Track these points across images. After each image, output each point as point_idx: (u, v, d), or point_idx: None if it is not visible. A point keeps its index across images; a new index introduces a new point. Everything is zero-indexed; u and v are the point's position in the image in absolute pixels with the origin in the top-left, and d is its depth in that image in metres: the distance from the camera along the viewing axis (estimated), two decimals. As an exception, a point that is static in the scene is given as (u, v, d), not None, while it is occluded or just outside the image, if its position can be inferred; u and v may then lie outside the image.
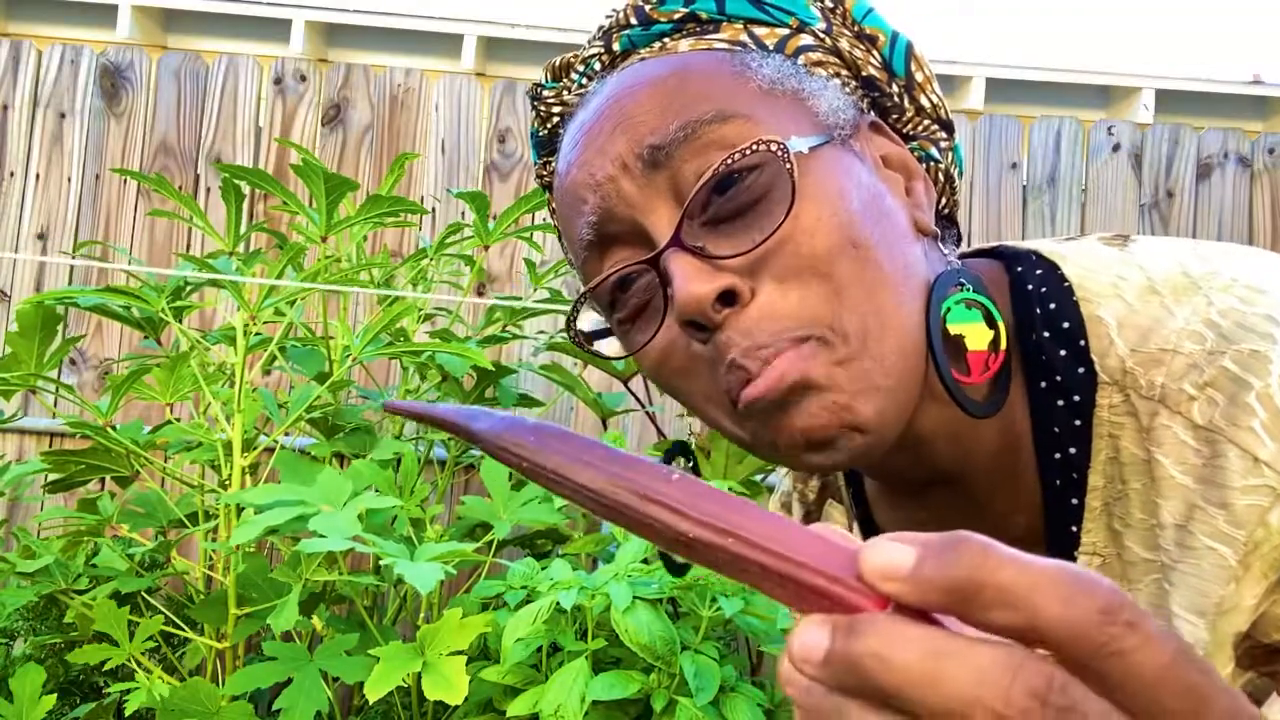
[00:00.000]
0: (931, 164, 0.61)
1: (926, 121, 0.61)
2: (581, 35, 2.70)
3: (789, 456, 0.52)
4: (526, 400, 2.13)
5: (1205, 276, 0.50)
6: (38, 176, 2.62)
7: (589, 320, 0.62)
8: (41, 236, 2.61)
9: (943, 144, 0.61)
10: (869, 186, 0.53)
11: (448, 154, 2.63)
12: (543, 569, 1.50)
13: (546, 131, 0.63)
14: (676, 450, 0.62)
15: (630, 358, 0.57)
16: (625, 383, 2.04)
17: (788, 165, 0.50)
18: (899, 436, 0.52)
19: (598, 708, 1.36)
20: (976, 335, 0.53)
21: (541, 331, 2.29)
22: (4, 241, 2.61)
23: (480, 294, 2.55)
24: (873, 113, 0.59)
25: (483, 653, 1.65)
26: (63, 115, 2.64)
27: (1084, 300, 0.53)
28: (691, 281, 0.50)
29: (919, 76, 0.59)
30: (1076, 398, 0.52)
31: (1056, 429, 0.54)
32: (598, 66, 0.59)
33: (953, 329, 0.53)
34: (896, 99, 0.59)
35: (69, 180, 2.62)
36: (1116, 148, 2.69)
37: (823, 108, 0.55)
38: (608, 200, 0.54)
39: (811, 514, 0.73)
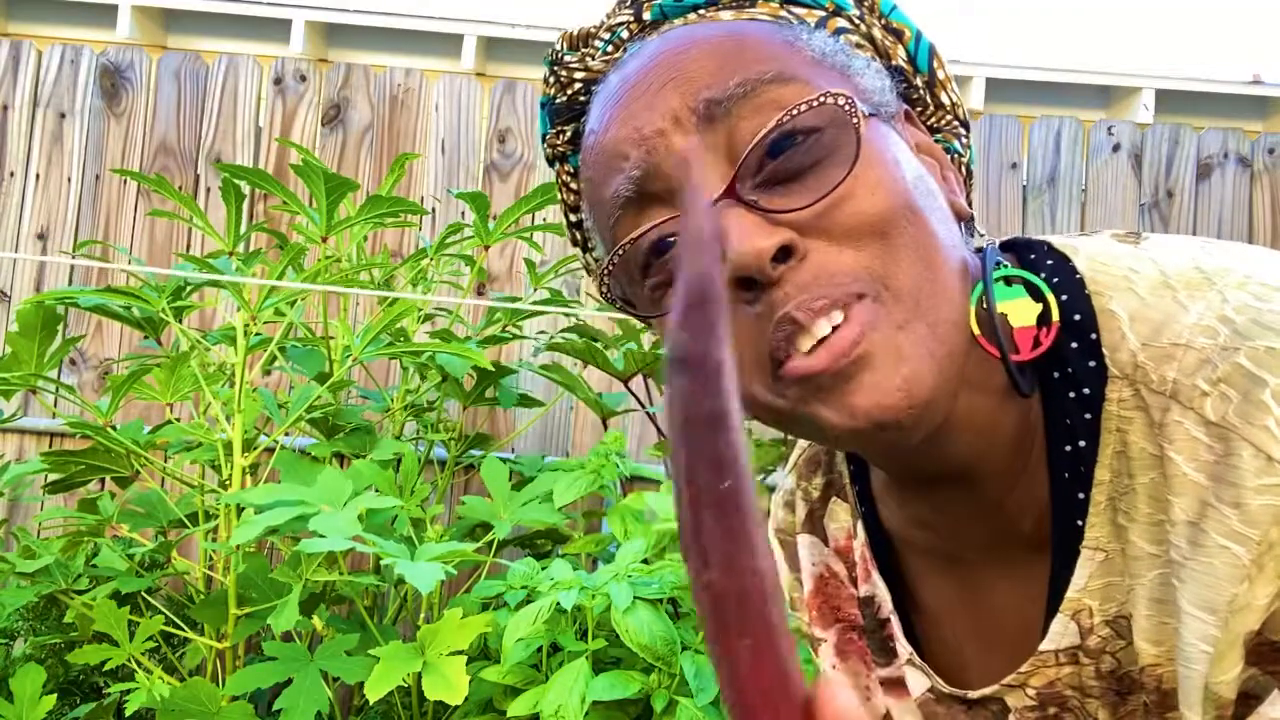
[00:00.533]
0: (955, 156, 0.61)
1: (948, 117, 0.61)
2: (581, 35, 2.70)
3: (834, 431, 0.50)
4: (526, 400, 2.13)
5: (1219, 272, 0.50)
6: (38, 176, 2.62)
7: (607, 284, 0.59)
8: (41, 236, 2.61)
9: (963, 139, 0.62)
10: (914, 164, 0.53)
11: (448, 154, 2.63)
12: (543, 569, 1.50)
13: (565, 99, 0.60)
14: None
15: (659, 320, 0.55)
16: (625, 383, 2.04)
17: (854, 120, 0.49)
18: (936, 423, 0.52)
19: (598, 708, 1.36)
20: (1021, 311, 0.53)
21: (542, 332, 2.29)
22: (4, 241, 2.61)
23: (480, 294, 2.55)
24: (904, 103, 0.59)
25: (483, 653, 1.65)
26: (63, 115, 2.64)
27: (1096, 294, 0.52)
28: (750, 235, 0.48)
29: (940, 75, 0.60)
30: (1087, 391, 0.52)
31: (1068, 421, 0.53)
32: (625, 35, 0.58)
33: (998, 307, 0.53)
34: (920, 93, 0.60)
35: (69, 180, 2.62)
36: (1116, 148, 2.69)
37: (868, 85, 0.55)
38: (655, 154, 0.52)
39: (815, 512, 0.72)
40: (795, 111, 0.49)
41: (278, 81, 2.65)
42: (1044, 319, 0.53)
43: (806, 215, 0.49)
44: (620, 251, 0.54)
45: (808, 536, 0.72)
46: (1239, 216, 2.69)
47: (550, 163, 0.64)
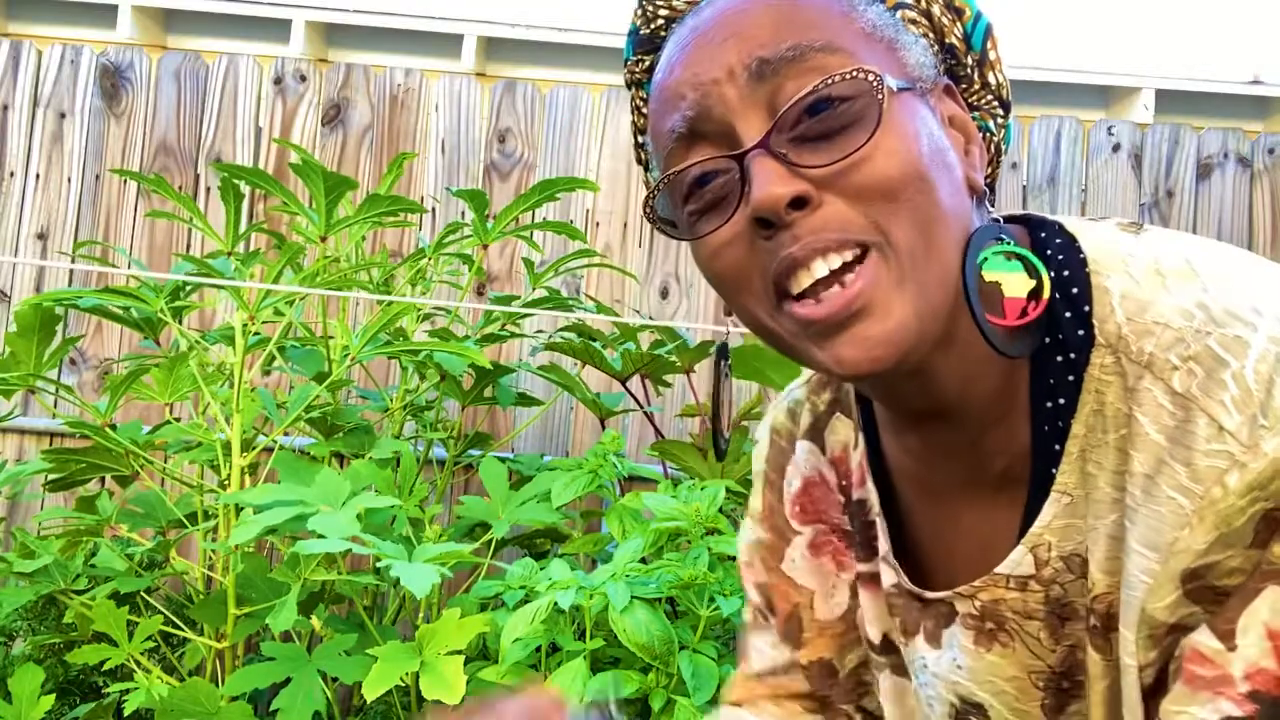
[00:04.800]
0: (987, 135, 0.67)
1: (989, 97, 0.67)
2: (581, 35, 2.70)
3: (823, 370, 0.58)
4: (525, 399, 2.13)
5: (1204, 266, 0.56)
6: (38, 176, 2.62)
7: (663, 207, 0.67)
8: (41, 236, 2.61)
9: (999, 120, 0.68)
10: (937, 138, 0.59)
11: (448, 154, 2.63)
12: (541, 569, 1.50)
13: (649, 31, 0.67)
14: (721, 351, 0.71)
15: (692, 242, 0.62)
16: (624, 383, 2.04)
17: (879, 95, 0.56)
18: (914, 367, 0.58)
19: (596, 708, 1.36)
20: (1015, 284, 0.59)
21: (540, 331, 2.29)
22: (4, 241, 2.61)
23: (480, 293, 2.55)
24: (947, 78, 0.65)
25: (481, 652, 1.65)
26: (63, 115, 2.64)
27: (1094, 271, 0.59)
28: (772, 182, 0.55)
29: (992, 55, 0.65)
30: (1073, 355, 0.58)
31: (1052, 380, 0.60)
32: None
33: (988, 276, 0.59)
34: (969, 70, 0.65)
35: (69, 180, 2.62)
36: (1116, 148, 2.69)
37: (911, 60, 0.61)
38: (708, 99, 0.59)
39: (819, 423, 0.80)
40: (831, 80, 0.56)
41: (278, 81, 2.65)
42: (1036, 294, 0.59)
43: (826, 173, 0.56)
44: (667, 179, 0.62)
45: (807, 443, 0.81)
46: (1239, 216, 2.68)
47: (628, 86, 0.72)
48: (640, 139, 0.72)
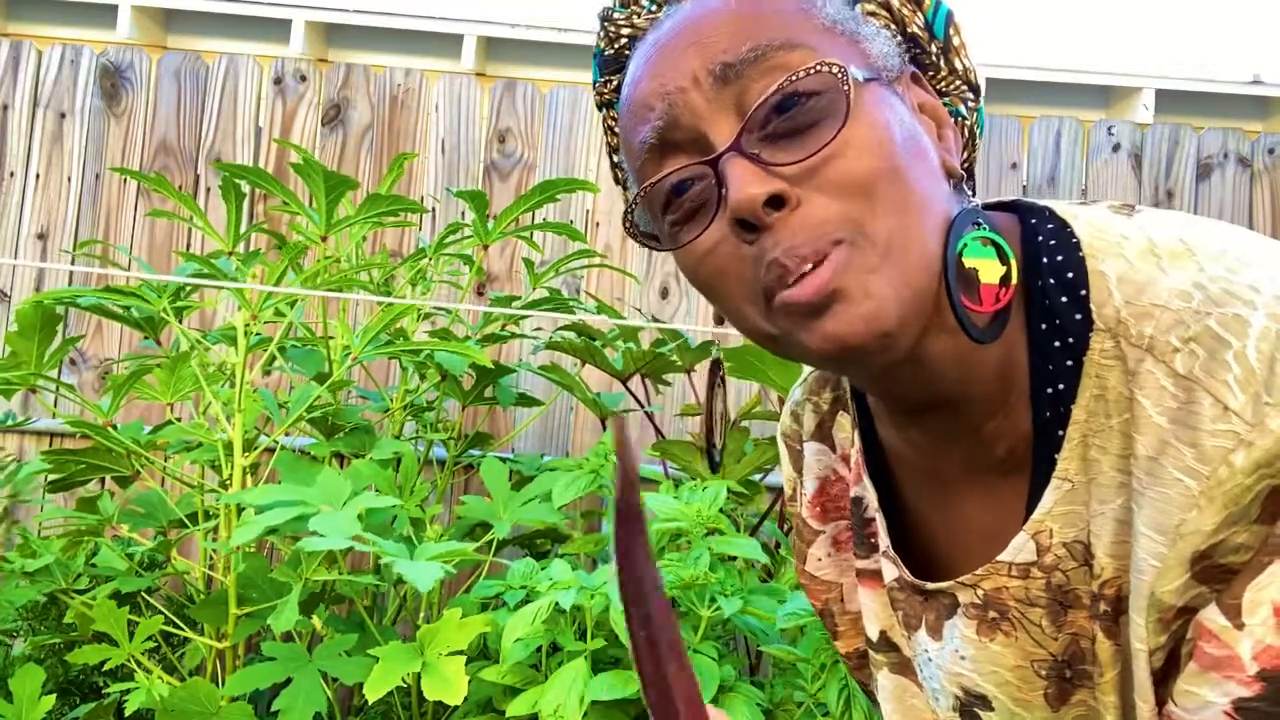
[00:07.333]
0: (959, 119, 0.68)
1: (958, 82, 0.67)
2: (581, 35, 2.70)
3: (813, 354, 0.58)
4: (525, 399, 2.13)
5: (1199, 245, 0.56)
6: (38, 176, 2.62)
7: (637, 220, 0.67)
8: (41, 236, 2.61)
9: (970, 103, 0.68)
10: (908, 125, 0.59)
11: (448, 154, 2.63)
12: (542, 569, 1.50)
13: (613, 51, 0.68)
14: (717, 365, 0.70)
15: (674, 252, 0.62)
16: (624, 382, 2.04)
17: (846, 87, 0.56)
18: (909, 357, 0.58)
19: (597, 708, 1.36)
20: (989, 270, 0.60)
21: (539, 328, 2.29)
22: (4, 241, 2.61)
23: (480, 293, 2.55)
24: (913, 66, 0.65)
25: (482, 653, 1.65)
26: (63, 115, 2.64)
27: (1089, 256, 0.59)
28: (748, 183, 0.55)
29: (955, 41, 0.66)
30: (1071, 340, 0.58)
31: (1051, 366, 0.60)
32: None
33: (968, 262, 0.59)
34: (934, 58, 0.66)
35: (69, 180, 2.62)
36: (1116, 148, 2.69)
37: (874, 51, 0.61)
38: (675, 108, 0.59)
39: (825, 423, 0.80)
40: (795, 77, 0.56)
41: (278, 81, 2.65)
42: (1006, 280, 0.60)
43: (800, 169, 0.56)
44: (644, 192, 0.62)
45: (815, 444, 0.81)
46: (1239, 217, 2.68)
47: (599, 108, 0.72)
48: (616, 158, 0.72)
